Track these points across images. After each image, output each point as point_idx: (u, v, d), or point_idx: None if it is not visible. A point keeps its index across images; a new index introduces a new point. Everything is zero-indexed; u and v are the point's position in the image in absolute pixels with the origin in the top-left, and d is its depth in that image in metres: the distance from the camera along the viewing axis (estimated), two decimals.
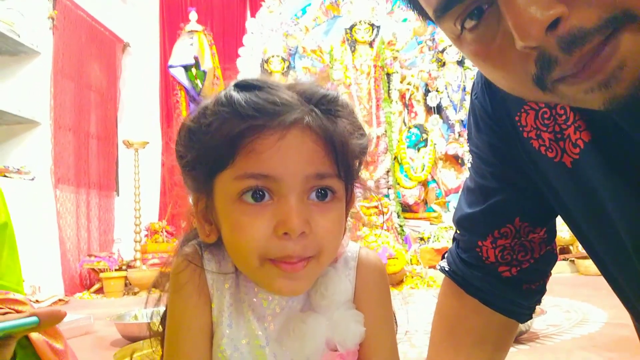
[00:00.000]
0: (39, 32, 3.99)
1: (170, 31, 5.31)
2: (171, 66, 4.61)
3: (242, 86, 0.51)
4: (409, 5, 0.53)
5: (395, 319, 0.63)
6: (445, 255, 0.85)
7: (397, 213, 4.11)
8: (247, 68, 4.89)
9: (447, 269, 0.82)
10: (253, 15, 5.30)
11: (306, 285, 0.55)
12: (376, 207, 3.83)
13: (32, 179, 3.72)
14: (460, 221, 0.80)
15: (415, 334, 1.76)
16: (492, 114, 0.71)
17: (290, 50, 4.91)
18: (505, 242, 0.74)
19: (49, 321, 0.55)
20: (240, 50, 5.06)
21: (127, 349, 1.67)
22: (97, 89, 4.77)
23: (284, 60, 4.78)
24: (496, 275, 0.77)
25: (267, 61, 4.75)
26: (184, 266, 0.57)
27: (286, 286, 0.52)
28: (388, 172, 4.25)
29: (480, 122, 0.73)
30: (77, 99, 4.37)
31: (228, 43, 5.42)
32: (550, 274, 0.81)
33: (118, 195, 4.98)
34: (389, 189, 4.22)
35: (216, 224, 0.55)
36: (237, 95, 0.50)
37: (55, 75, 4.03)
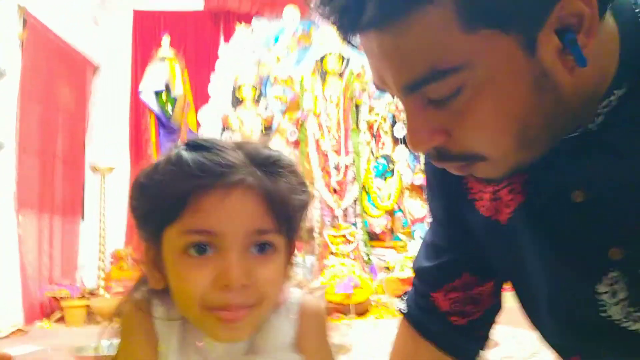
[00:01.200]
0: (7, 52, 3.95)
1: (142, 56, 5.33)
2: (142, 91, 4.62)
3: (192, 146, 0.56)
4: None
5: None
6: (405, 298, 0.90)
7: (364, 242, 4.16)
8: (219, 94, 4.93)
9: (405, 312, 0.88)
10: (226, 42, 5.37)
11: (246, 332, 0.58)
12: (343, 235, 3.88)
13: None
14: (418, 271, 0.86)
15: None
16: (441, 179, 0.77)
17: (261, 78, 4.98)
18: (456, 295, 0.80)
19: None
20: (212, 77, 5.11)
21: None
22: (66, 111, 4.72)
23: (255, 88, 4.84)
24: (449, 323, 0.82)
25: (238, 88, 4.80)
26: (134, 312, 0.60)
27: (226, 334, 0.56)
28: (355, 201, 4.31)
29: (433, 187, 0.81)
30: (44, 121, 4.31)
31: (200, 69, 5.45)
32: (497, 321, 0.88)
33: (83, 220, 4.89)
34: (356, 217, 4.28)
35: (164, 272, 0.58)
36: (186, 155, 0.54)
37: (22, 97, 3.98)
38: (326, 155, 4.35)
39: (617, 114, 0.53)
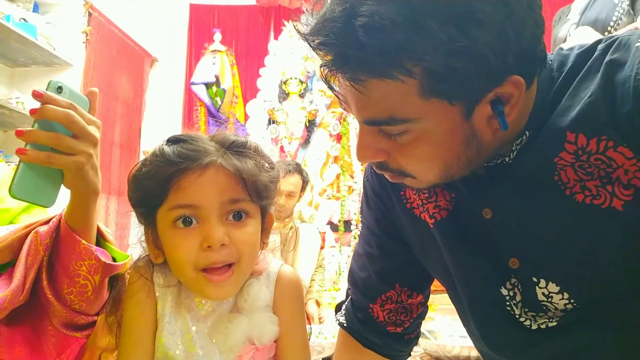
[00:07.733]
0: (73, 45, 4.25)
1: (197, 49, 5.56)
2: (193, 83, 4.85)
3: (172, 140, 0.69)
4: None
5: (310, 324, 0.77)
6: (343, 312, 1.00)
7: None
8: (267, 87, 5.10)
9: (345, 325, 0.98)
10: (276, 38, 5.53)
11: (231, 291, 0.70)
12: None
13: None
14: (354, 282, 0.96)
15: None
16: (379, 194, 0.89)
17: (308, 73, 5.10)
18: (390, 306, 0.91)
19: (92, 98, 0.72)
20: (261, 71, 5.28)
21: None
22: (124, 100, 5.02)
23: (301, 82, 4.97)
24: (386, 332, 0.93)
25: (285, 82, 4.95)
26: (137, 278, 0.73)
27: (215, 293, 0.68)
28: None
29: (370, 200, 0.91)
30: (104, 109, 4.61)
31: (250, 63, 5.63)
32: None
33: None
34: None
35: (161, 248, 0.71)
36: (167, 148, 0.67)
37: (85, 86, 4.27)
38: None
39: (525, 151, 0.65)
